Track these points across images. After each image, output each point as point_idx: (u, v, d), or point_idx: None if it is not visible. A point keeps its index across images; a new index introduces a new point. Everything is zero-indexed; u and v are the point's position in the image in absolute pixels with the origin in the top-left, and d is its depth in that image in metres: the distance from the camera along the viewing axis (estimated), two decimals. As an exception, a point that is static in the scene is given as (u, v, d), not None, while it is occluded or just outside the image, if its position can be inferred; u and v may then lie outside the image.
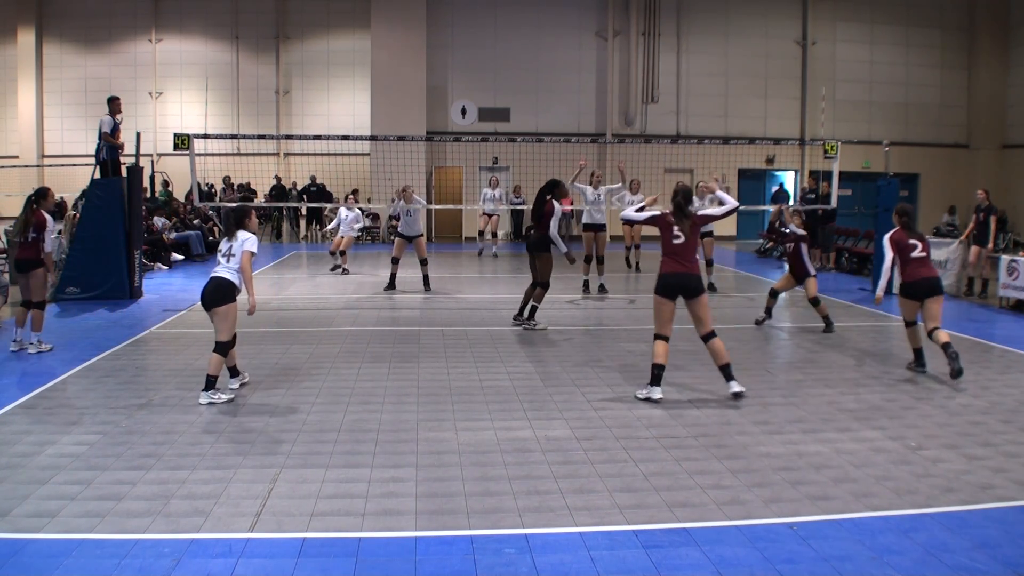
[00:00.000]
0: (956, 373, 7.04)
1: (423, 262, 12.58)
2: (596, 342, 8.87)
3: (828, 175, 14.54)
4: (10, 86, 24.47)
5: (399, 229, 12.75)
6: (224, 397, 6.30)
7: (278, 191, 22.13)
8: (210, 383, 6.26)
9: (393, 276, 12.57)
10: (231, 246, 6.43)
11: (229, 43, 24.34)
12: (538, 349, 8.38)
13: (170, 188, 21.19)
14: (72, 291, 11.07)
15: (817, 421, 5.94)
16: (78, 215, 12.64)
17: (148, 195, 18.43)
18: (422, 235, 12.78)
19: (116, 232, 11.35)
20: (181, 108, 24.24)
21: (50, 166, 23.50)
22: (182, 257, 16.51)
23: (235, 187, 22.00)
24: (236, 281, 6.35)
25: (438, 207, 20.68)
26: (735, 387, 6.37)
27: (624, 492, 4.54)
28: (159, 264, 15.26)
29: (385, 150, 18.82)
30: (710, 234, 12.94)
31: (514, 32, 23.15)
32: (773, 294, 9.85)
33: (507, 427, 5.71)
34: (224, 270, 6.37)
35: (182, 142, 12.37)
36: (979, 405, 6.40)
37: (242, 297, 6.35)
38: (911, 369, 7.59)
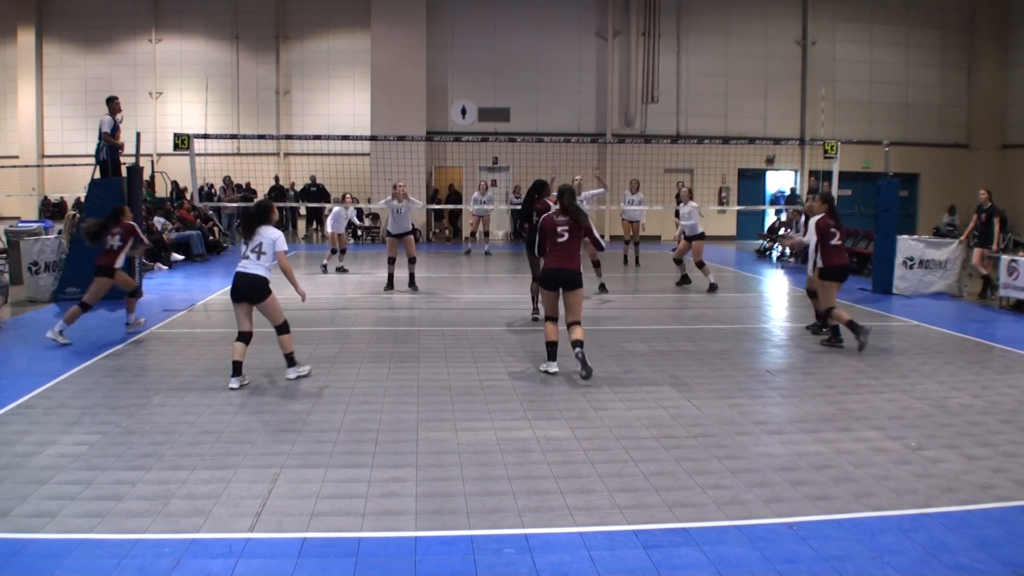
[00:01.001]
0: (835, 339, 8.57)
1: (411, 260, 12.56)
2: (595, 342, 8.85)
3: (828, 175, 14.54)
4: (10, 86, 24.48)
5: (388, 227, 12.74)
6: (306, 369, 7.02)
7: (276, 191, 22.11)
8: (291, 360, 6.89)
9: (391, 276, 12.58)
10: (260, 243, 6.72)
11: (229, 43, 24.34)
12: (538, 349, 8.36)
13: (153, 189, 21.14)
14: (72, 291, 11.05)
15: (817, 421, 5.94)
16: (78, 215, 12.64)
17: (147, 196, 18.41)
18: (411, 233, 12.78)
19: (116, 232, 11.33)
20: (181, 108, 24.25)
21: (50, 166, 23.54)
22: (182, 257, 16.51)
23: (235, 187, 21.98)
24: (269, 276, 6.76)
25: (437, 207, 20.67)
26: (551, 367, 7.18)
27: (624, 492, 4.54)
28: (159, 264, 15.25)
29: (385, 150, 18.83)
30: (701, 236, 12.98)
31: (514, 32, 23.14)
32: (811, 294, 9.62)
33: (507, 427, 5.71)
34: (255, 266, 6.71)
35: (182, 142, 12.38)
36: (979, 405, 6.40)
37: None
38: (827, 343, 8.60)
